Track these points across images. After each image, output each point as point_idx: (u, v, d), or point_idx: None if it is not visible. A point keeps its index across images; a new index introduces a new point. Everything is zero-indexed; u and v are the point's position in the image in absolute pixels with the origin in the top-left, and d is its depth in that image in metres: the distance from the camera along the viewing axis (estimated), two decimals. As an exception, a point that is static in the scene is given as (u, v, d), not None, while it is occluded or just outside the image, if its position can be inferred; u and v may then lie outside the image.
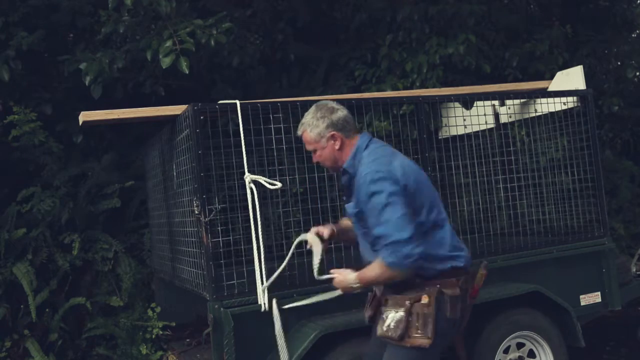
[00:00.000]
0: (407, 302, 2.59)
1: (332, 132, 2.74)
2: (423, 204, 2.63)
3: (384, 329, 2.62)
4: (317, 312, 3.38)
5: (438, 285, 2.60)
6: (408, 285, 2.63)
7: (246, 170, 3.33)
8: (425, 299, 2.58)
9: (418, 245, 2.49)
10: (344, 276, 2.73)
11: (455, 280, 2.63)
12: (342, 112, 2.78)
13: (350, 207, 2.75)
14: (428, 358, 2.64)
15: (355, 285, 2.68)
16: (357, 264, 3.62)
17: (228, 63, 6.08)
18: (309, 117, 2.80)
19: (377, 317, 2.85)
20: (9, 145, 5.54)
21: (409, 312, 2.57)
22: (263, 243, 3.31)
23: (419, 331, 2.55)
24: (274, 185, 3.29)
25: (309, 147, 2.84)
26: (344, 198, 2.92)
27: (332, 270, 2.81)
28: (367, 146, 2.73)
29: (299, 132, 2.85)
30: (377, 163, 2.62)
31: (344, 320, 3.34)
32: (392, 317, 2.61)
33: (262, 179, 3.32)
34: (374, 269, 2.58)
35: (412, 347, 2.57)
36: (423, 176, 2.74)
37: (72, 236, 5.34)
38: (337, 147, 2.75)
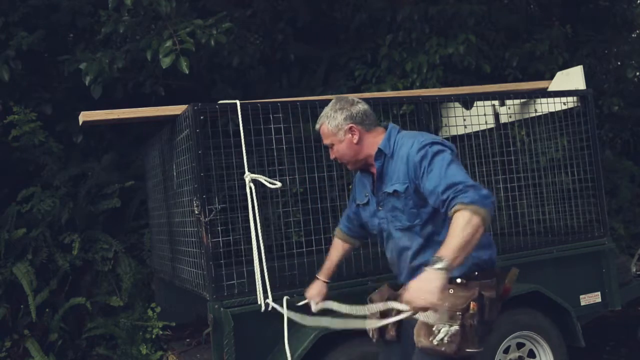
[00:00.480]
0: (459, 314, 2.44)
1: (351, 125, 2.69)
2: None
3: (435, 342, 2.43)
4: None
5: (477, 288, 2.51)
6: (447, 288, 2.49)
7: (246, 169, 3.33)
8: (473, 308, 2.47)
9: None
10: (420, 281, 2.20)
11: (491, 282, 2.56)
12: (362, 106, 2.74)
13: (397, 187, 2.58)
14: None
15: (442, 273, 2.16)
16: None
17: (228, 63, 6.08)
18: (328, 109, 2.76)
19: (402, 328, 2.75)
20: (9, 145, 5.54)
21: (462, 325, 2.44)
22: (263, 243, 3.31)
23: (471, 342, 2.46)
24: (274, 184, 3.29)
25: (326, 141, 2.78)
26: (361, 197, 2.85)
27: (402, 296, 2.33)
28: (399, 131, 2.71)
29: (317, 126, 2.80)
30: (426, 135, 2.62)
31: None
32: (446, 331, 2.42)
33: (262, 178, 3.32)
34: (458, 225, 2.24)
35: (460, 358, 2.47)
36: None
37: (72, 236, 5.34)
38: (355, 141, 2.70)
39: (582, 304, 4.24)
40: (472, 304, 2.46)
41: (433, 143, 2.53)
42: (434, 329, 2.45)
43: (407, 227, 2.63)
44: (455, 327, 2.42)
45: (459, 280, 2.52)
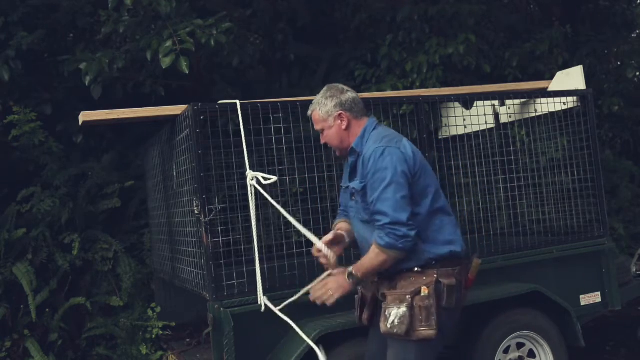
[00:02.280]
0: (408, 297, 2.60)
1: (340, 112, 2.80)
2: (429, 185, 2.69)
3: (388, 326, 2.62)
4: (316, 312, 3.38)
5: (435, 275, 2.63)
6: (405, 277, 2.66)
7: (247, 168, 3.33)
8: (425, 291, 2.60)
9: (415, 228, 2.56)
10: (334, 279, 2.74)
11: (452, 270, 2.66)
12: (351, 94, 2.85)
13: (356, 184, 2.76)
14: (432, 349, 2.67)
15: (349, 281, 2.69)
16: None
17: (228, 63, 6.08)
18: (319, 96, 2.87)
19: (375, 316, 2.86)
20: (9, 145, 5.54)
21: (411, 307, 2.58)
22: (263, 243, 3.30)
23: (424, 324, 2.57)
24: (269, 179, 3.28)
25: (317, 127, 2.89)
26: (344, 181, 2.94)
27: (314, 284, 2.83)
28: (374, 128, 2.81)
29: (309, 112, 2.92)
30: (388, 139, 2.69)
31: (343, 320, 3.34)
32: (395, 313, 2.61)
33: (260, 175, 3.32)
34: (369, 254, 2.65)
35: (417, 341, 2.58)
36: (425, 161, 2.80)
37: (72, 236, 5.34)
38: (343, 127, 2.80)
39: (582, 304, 4.24)
40: (423, 288, 2.61)
41: (382, 155, 2.61)
42: (386, 313, 2.64)
43: (365, 220, 2.77)
44: (403, 309, 2.60)
45: (416, 269, 2.67)
